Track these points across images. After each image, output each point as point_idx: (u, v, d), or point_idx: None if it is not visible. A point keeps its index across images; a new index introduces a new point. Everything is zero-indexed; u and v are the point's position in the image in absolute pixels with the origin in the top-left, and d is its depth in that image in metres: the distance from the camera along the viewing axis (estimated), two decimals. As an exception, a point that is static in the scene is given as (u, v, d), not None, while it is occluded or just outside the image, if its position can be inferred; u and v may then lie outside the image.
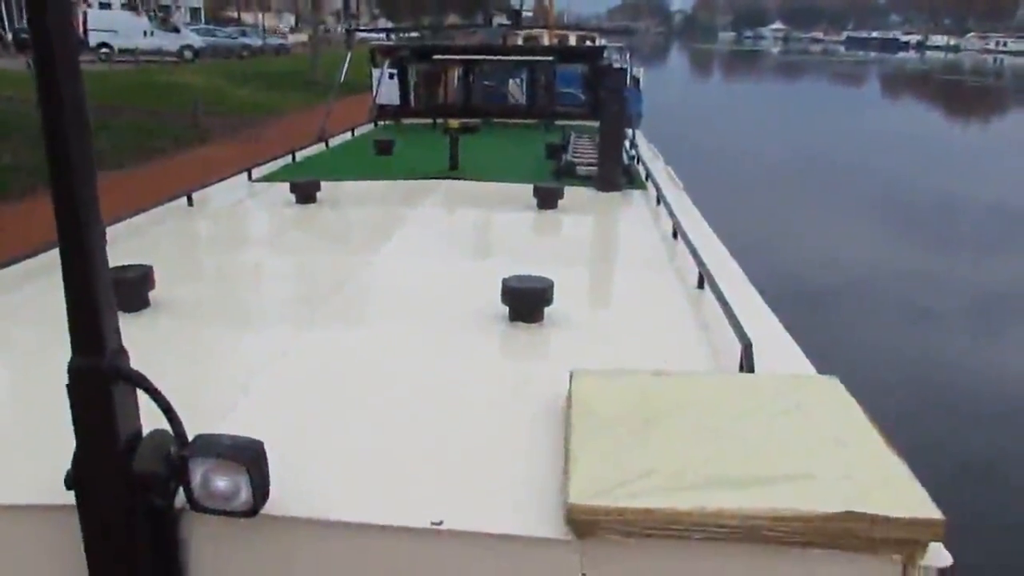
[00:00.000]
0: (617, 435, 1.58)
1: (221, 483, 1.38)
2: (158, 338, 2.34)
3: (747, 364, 2.00)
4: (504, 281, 2.48)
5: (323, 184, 4.42)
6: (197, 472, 1.39)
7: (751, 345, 2.02)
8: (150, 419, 1.42)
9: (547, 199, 4.20)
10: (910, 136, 28.12)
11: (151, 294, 2.59)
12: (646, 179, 5.11)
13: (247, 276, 3.17)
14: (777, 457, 1.50)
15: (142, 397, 1.40)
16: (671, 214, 3.82)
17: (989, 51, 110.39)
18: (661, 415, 1.65)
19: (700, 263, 2.88)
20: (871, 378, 7.29)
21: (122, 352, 1.36)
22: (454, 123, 5.41)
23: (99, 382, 1.32)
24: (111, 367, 1.32)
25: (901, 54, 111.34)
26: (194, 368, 2.19)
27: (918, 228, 15.01)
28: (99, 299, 1.30)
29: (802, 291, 10.33)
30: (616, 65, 9.35)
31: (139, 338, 1.53)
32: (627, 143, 5.79)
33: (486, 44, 10.83)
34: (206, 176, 4.85)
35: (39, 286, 2.69)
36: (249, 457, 1.38)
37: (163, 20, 37.53)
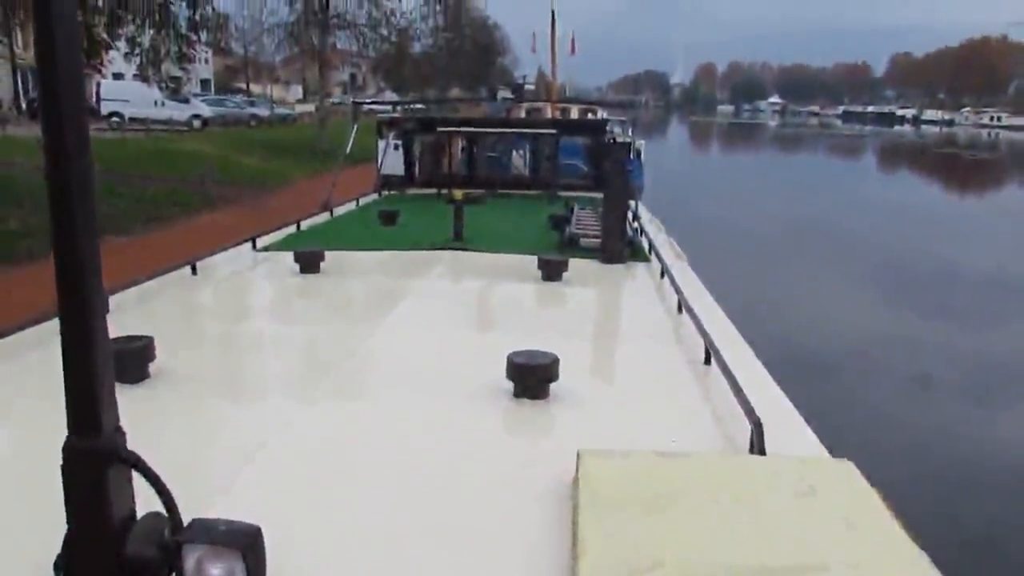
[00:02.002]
0: (625, 520, 1.52)
1: (215, 571, 1.33)
2: (156, 411, 2.30)
3: (757, 445, 1.96)
4: (509, 356, 2.45)
5: (327, 254, 4.43)
6: (191, 558, 1.34)
7: (761, 424, 1.98)
8: (147, 499, 1.38)
9: (552, 271, 4.22)
10: (908, 206, 28.34)
11: (151, 365, 2.56)
12: (650, 251, 5.14)
13: (249, 347, 3.14)
14: (790, 545, 1.44)
15: (137, 476, 1.36)
16: (675, 287, 3.82)
17: (984, 125, 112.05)
18: (670, 498, 1.60)
19: (706, 338, 2.85)
20: (871, 448, 7.21)
21: (119, 433, 1.32)
22: (458, 194, 5.46)
23: (94, 464, 1.28)
24: (107, 449, 1.28)
25: (897, 128, 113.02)
26: (193, 443, 2.15)
27: (917, 296, 15.00)
28: (98, 378, 1.26)
29: (804, 360, 10.26)
30: (618, 138, 9.47)
31: (137, 411, 1.49)
32: (630, 215, 5.85)
33: (490, 117, 11.02)
34: (212, 243, 4.86)
35: (42, 354, 2.66)
36: (245, 543, 1.33)
37: (174, 90, 38.17)
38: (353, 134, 8.22)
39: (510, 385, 2.43)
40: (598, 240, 4.97)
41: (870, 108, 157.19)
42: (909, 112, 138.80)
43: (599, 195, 5.67)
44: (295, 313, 3.76)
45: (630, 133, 9.01)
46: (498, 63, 70.79)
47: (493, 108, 11.23)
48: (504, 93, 13.77)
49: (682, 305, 3.54)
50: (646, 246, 5.31)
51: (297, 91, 77.92)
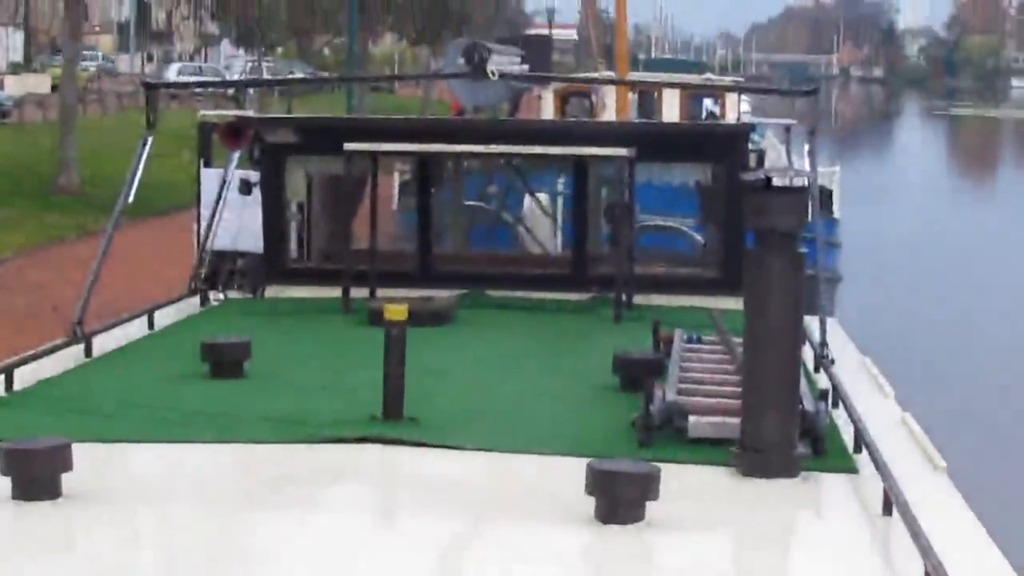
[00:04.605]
0: None
1: None
2: None
3: None
4: None
5: (79, 450, 4.48)
6: None
7: None
8: None
9: (621, 499, 4.25)
10: None
11: None
12: (858, 446, 5.21)
13: None
14: None
15: None
16: (920, 544, 3.85)
17: None
18: None
19: None
20: None
21: None
22: (394, 309, 5.51)
23: None
24: None
25: None
26: None
27: None
28: None
29: None
30: (776, 165, 9.50)
31: None
32: (807, 352, 5.90)
33: (470, 120, 11.05)
34: None
35: None
36: None
37: None
38: (145, 154, 8.28)
39: None
40: (734, 419, 5.03)
41: None
42: None
43: (733, 303, 5.85)
44: None
45: (805, 155, 9.06)
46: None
47: (472, 96, 11.06)
48: (505, 56, 13.79)
49: None
50: (847, 433, 5.38)
51: (13, 45, 79.23)
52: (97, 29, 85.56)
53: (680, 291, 8.31)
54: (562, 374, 6.49)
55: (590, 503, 4.25)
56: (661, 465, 4.39)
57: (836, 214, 18.51)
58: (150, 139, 8.30)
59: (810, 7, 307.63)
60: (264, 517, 4.38)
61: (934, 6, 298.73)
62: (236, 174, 8.84)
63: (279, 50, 69.52)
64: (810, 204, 7.77)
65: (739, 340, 5.52)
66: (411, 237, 9.21)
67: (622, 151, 8.71)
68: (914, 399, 6.94)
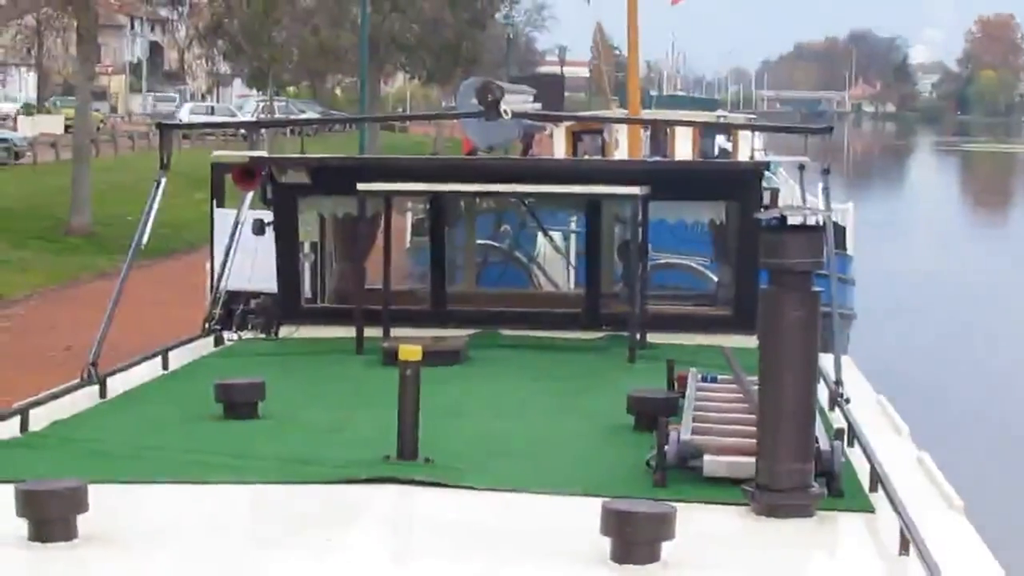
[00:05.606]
0: None
1: None
2: None
3: None
4: None
5: (94, 491, 4.48)
6: None
7: None
8: None
9: (635, 538, 4.24)
10: None
11: None
12: (873, 485, 5.18)
13: None
14: None
15: None
16: None
17: None
18: None
19: None
20: None
21: None
22: (408, 348, 5.46)
23: None
24: None
25: None
26: None
27: None
28: None
29: None
30: (786, 202, 9.41)
31: None
32: (822, 390, 5.89)
33: (480, 159, 10.97)
34: None
35: None
36: None
37: None
38: (158, 195, 8.31)
39: None
40: (749, 458, 5.02)
41: None
42: None
43: (747, 341, 5.86)
44: None
45: (820, 192, 8.96)
46: (503, 22, 71.49)
47: (486, 135, 10.97)
48: (518, 95, 13.67)
49: None
50: (863, 472, 5.36)
51: (25, 86, 79.21)
52: (109, 69, 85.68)
53: (694, 329, 8.27)
54: (576, 413, 6.48)
55: (605, 543, 4.24)
56: (676, 505, 4.39)
57: (850, 251, 18.42)
58: (163, 180, 8.30)
59: (821, 43, 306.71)
60: (279, 557, 4.37)
61: (947, 42, 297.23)
62: (249, 215, 8.82)
63: (291, 90, 69.35)
64: (826, 240, 7.74)
65: (753, 379, 5.50)
66: (424, 276, 9.16)
67: (635, 190, 8.70)
68: (929, 437, 6.90)
